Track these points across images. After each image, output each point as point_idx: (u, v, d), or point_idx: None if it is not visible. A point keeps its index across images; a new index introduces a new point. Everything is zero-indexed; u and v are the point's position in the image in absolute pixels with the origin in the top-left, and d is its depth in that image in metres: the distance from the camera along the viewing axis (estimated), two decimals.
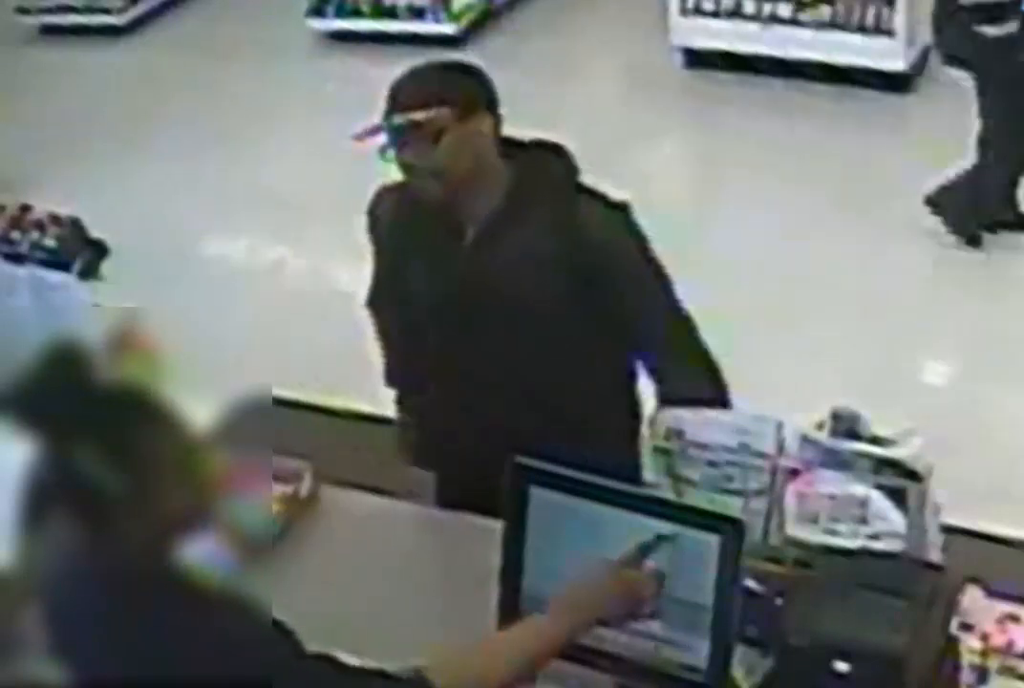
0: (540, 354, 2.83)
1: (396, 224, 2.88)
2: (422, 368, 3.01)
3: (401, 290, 2.93)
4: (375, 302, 3.06)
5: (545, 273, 2.73)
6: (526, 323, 2.79)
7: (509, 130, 2.74)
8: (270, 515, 2.86)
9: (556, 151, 2.81)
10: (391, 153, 2.64)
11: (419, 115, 2.58)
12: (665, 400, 2.79)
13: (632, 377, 2.99)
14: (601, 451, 2.61)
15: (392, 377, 3.15)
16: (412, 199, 2.79)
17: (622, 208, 2.78)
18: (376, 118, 2.64)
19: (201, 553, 2.36)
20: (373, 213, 2.95)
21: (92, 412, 1.65)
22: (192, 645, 1.66)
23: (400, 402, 3.16)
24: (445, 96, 2.61)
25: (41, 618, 1.75)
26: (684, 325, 2.86)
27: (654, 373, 2.89)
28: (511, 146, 2.76)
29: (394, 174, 2.71)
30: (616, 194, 2.78)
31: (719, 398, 2.83)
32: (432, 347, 2.95)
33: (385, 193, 2.93)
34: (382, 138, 2.64)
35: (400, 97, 2.63)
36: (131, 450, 1.65)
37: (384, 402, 3.20)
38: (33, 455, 1.62)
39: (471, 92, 2.66)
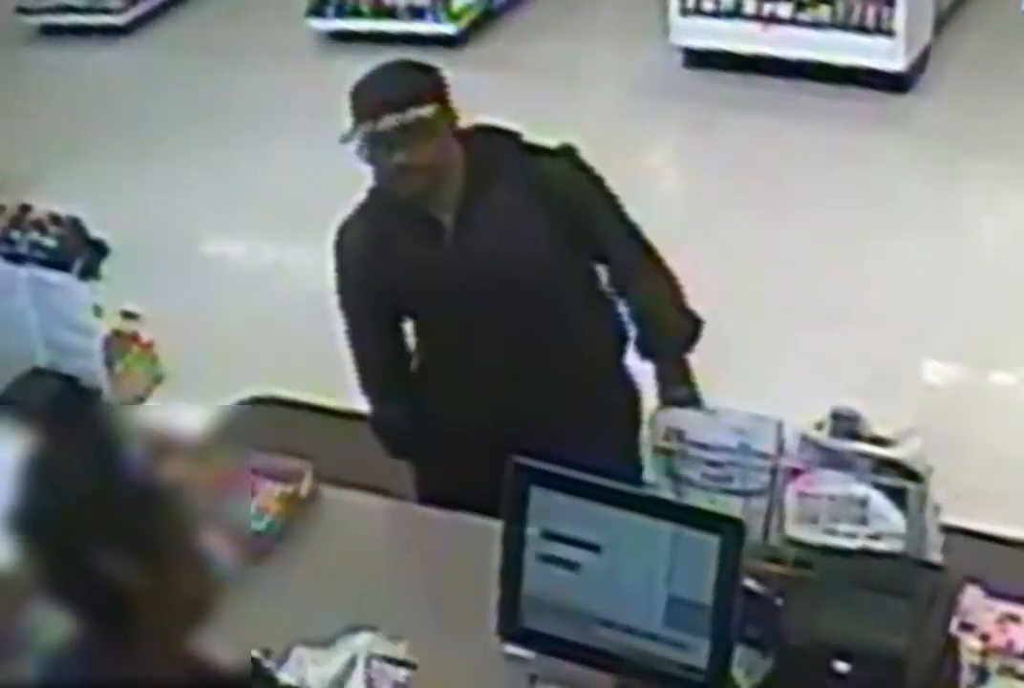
0: (542, 325, 2.86)
1: (368, 244, 2.87)
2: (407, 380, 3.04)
3: (386, 306, 2.93)
4: (357, 341, 3.07)
5: (531, 238, 2.78)
6: (525, 294, 2.82)
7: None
8: (269, 515, 2.86)
9: (493, 129, 2.86)
10: (374, 155, 2.67)
11: (423, 112, 2.62)
12: (648, 336, 2.95)
13: (624, 342, 3.04)
14: (601, 435, 2.65)
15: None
16: (380, 213, 2.82)
17: (568, 153, 2.86)
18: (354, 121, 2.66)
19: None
20: (340, 245, 2.93)
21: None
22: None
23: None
24: (435, 93, 2.68)
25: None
26: (651, 252, 2.96)
27: (635, 313, 2.98)
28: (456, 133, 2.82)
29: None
30: (554, 141, 2.86)
31: (692, 326, 2.97)
32: (430, 342, 2.97)
33: (348, 225, 2.93)
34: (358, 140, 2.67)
35: (388, 97, 2.65)
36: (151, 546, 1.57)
37: None
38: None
39: (446, 87, 2.73)
